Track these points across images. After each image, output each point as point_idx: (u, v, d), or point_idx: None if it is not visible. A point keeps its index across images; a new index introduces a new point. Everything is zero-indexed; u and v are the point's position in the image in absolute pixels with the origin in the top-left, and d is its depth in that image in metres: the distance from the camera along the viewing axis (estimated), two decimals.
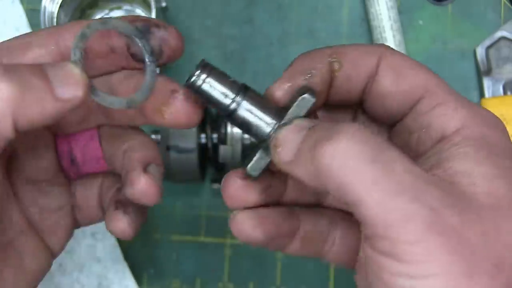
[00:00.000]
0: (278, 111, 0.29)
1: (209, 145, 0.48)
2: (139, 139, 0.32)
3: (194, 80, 0.29)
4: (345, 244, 0.32)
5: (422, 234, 0.23)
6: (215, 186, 0.50)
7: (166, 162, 0.47)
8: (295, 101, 0.29)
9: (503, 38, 0.52)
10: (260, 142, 0.29)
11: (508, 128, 0.50)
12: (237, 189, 0.30)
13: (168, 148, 0.47)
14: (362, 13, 0.54)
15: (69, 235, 0.34)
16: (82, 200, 0.34)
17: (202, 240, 0.53)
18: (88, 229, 0.50)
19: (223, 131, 0.47)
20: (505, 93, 0.51)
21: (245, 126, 0.29)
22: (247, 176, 0.30)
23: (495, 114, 0.49)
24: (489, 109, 0.49)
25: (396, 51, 0.30)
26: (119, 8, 0.54)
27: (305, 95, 0.28)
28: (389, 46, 0.30)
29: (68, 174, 0.33)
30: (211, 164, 0.50)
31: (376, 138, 0.25)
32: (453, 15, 0.54)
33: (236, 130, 0.47)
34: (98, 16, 0.54)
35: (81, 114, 0.31)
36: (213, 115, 0.50)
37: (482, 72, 0.52)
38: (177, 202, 0.53)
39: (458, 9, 0.54)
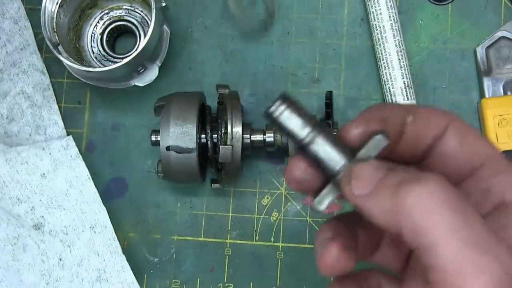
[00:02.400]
0: (350, 150, 0.30)
1: (209, 145, 0.48)
2: None
3: (272, 111, 0.30)
4: None
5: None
6: (215, 186, 0.50)
7: (166, 162, 0.47)
8: (366, 143, 0.30)
9: (503, 38, 0.52)
10: (329, 177, 0.30)
11: (508, 128, 0.50)
12: (334, 259, 0.31)
13: (168, 148, 0.47)
14: (362, 13, 0.54)
15: None
16: None
17: (202, 240, 0.53)
18: (88, 223, 0.50)
19: (223, 131, 0.47)
20: (505, 93, 0.51)
21: (316, 160, 0.30)
22: (315, 209, 0.31)
23: (495, 114, 0.50)
24: (489, 109, 0.50)
25: (464, 120, 0.32)
26: (119, 8, 0.54)
27: (379, 136, 0.30)
28: (457, 115, 0.32)
29: None
30: (211, 164, 0.50)
31: (458, 191, 0.26)
32: (453, 15, 0.54)
33: (236, 130, 0.47)
34: (98, 17, 0.54)
35: None
36: (213, 116, 0.50)
37: (482, 72, 0.52)
38: (177, 202, 0.53)
39: (458, 9, 0.54)
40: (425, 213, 0.25)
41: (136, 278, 0.50)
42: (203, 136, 0.48)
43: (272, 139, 0.49)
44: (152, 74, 0.52)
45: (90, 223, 0.51)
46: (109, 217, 0.51)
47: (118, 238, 0.51)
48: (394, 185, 0.27)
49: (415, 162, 0.32)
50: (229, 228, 0.53)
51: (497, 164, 0.30)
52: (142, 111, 0.54)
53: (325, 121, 0.49)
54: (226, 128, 0.47)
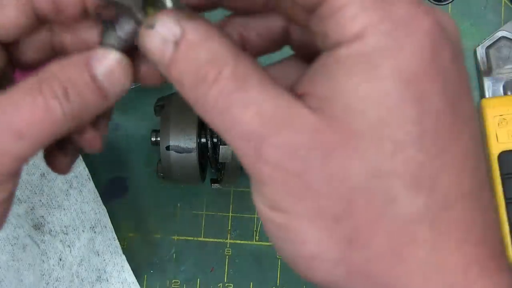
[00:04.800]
0: None
1: (209, 145, 0.48)
2: None
3: None
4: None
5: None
6: (215, 186, 0.50)
7: (166, 162, 0.47)
8: None
9: (503, 38, 0.52)
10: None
11: (508, 128, 0.50)
12: None
13: (168, 148, 0.47)
14: None
15: None
16: None
17: (202, 240, 0.53)
18: (88, 223, 0.50)
19: None
20: (505, 93, 0.51)
21: None
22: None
23: (495, 114, 0.50)
24: (489, 109, 0.50)
25: None
26: None
27: None
28: None
29: None
30: (211, 164, 0.50)
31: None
32: (453, 15, 0.54)
33: None
34: None
35: None
36: None
37: (482, 72, 0.52)
38: (177, 202, 0.53)
39: (458, 9, 0.54)
40: None
41: (136, 278, 0.50)
42: (203, 136, 0.48)
43: None
44: None
45: (90, 223, 0.51)
46: (109, 217, 0.51)
47: (118, 238, 0.51)
48: None
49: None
50: (229, 228, 0.53)
51: None
52: (142, 111, 0.54)
53: None
54: None
